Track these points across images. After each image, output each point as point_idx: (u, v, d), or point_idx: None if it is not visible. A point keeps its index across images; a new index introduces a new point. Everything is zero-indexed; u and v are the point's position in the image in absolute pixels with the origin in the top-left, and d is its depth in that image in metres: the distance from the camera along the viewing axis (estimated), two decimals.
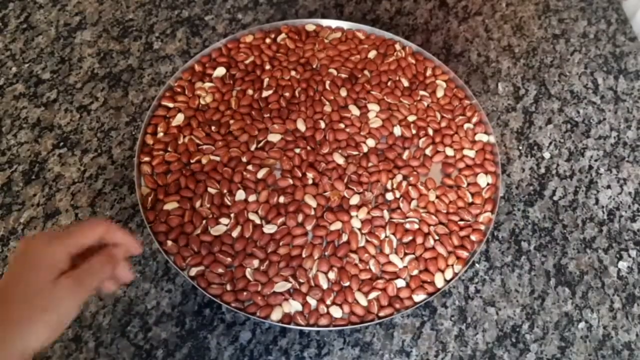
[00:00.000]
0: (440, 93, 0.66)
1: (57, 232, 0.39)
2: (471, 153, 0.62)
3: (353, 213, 0.57)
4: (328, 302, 0.53)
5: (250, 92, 0.64)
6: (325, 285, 0.54)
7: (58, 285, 0.37)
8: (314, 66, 0.67)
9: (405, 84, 0.66)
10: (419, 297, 0.54)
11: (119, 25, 0.76)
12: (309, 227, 0.56)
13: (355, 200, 0.58)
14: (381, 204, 0.58)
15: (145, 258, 0.58)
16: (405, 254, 0.56)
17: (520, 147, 0.69)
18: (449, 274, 0.55)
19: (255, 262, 0.54)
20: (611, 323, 0.58)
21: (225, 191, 0.57)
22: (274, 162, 0.60)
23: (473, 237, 0.57)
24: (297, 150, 0.60)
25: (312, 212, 0.57)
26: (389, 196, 0.59)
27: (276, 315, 0.52)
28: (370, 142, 0.62)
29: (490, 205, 0.59)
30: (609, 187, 0.67)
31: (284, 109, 0.63)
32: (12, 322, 0.36)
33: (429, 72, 0.67)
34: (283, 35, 0.69)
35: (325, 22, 0.71)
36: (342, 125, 0.63)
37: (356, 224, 0.57)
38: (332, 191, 0.58)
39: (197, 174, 0.58)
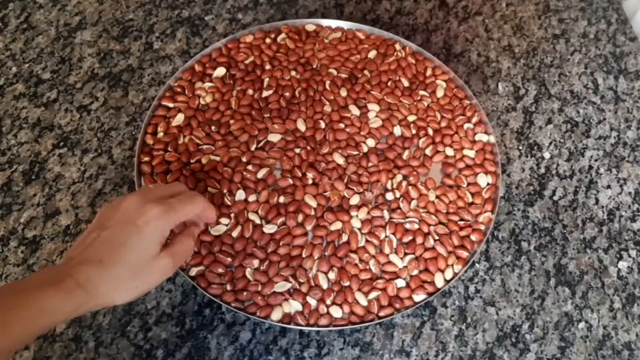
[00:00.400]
0: (440, 93, 0.66)
1: (164, 204, 0.43)
2: (471, 153, 0.62)
3: (353, 213, 0.57)
4: (328, 302, 0.53)
5: (250, 92, 0.64)
6: (325, 285, 0.54)
7: (158, 262, 0.43)
8: (314, 66, 0.67)
9: (405, 84, 0.66)
10: (419, 297, 0.54)
11: (119, 25, 0.77)
12: (309, 227, 0.56)
13: (355, 200, 0.58)
14: (381, 204, 0.58)
15: None
16: (405, 254, 0.56)
17: (520, 147, 0.69)
18: (449, 274, 0.55)
19: (255, 262, 0.54)
20: (611, 323, 0.58)
21: (225, 191, 0.57)
22: (274, 162, 0.60)
23: (473, 237, 0.57)
24: (297, 150, 0.60)
25: (312, 212, 0.57)
26: (389, 196, 0.59)
27: (276, 315, 0.52)
28: (370, 142, 0.62)
29: (490, 205, 0.59)
30: (609, 187, 0.67)
31: (284, 109, 0.63)
32: (109, 281, 0.40)
33: (429, 72, 0.67)
34: (283, 35, 0.69)
35: (325, 22, 0.71)
36: (342, 125, 0.63)
37: (356, 224, 0.57)
38: (332, 191, 0.58)
39: (197, 173, 0.58)
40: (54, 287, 0.38)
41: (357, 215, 0.57)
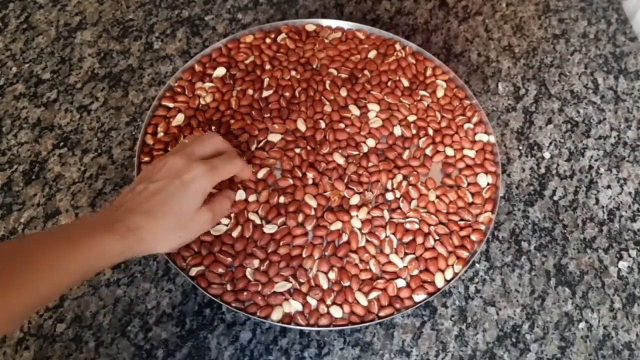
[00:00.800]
0: (440, 93, 0.66)
1: (207, 164, 0.47)
2: (471, 153, 0.62)
3: (353, 213, 0.57)
4: (328, 302, 0.53)
5: (250, 92, 0.64)
6: (325, 285, 0.54)
7: (200, 215, 0.47)
8: (314, 66, 0.67)
9: (406, 83, 0.66)
10: (419, 297, 0.54)
11: (119, 25, 0.77)
12: (309, 227, 0.56)
13: (355, 200, 0.58)
14: (381, 204, 0.58)
15: (145, 258, 0.58)
16: (406, 254, 0.56)
17: (521, 147, 0.69)
18: (449, 274, 0.55)
19: (256, 262, 0.54)
20: (611, 323, 0.58)
21: None
22: (274, 162, 0.60)
23: (473, 237, 0.57)
24: (298, 150, 0.60)
25: (312, 212, 0.57)
26: (389, 196, 0.59)
27: (276, 315, 0.52)
28: (371, 142, 0.62)
29: (490, 205, 0.59)
30: (609, 187, 0.67)
31: (284, 109, 0.63)
32: (155, 229, 0.44)
33: (429, 72, 0.67)
34: (283, 35, 0.69)
35: (325, 22, 0.71)
36: (342, 125, 0.63)
37: (356, 224, 0.57)
38: (332, 191, 0.58)
39: None
40: (107, 231, 0.42)
41: (357, 215, 0.57)
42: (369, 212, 0.57)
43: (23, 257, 0.38)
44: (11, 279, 0.37)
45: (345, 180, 0.59)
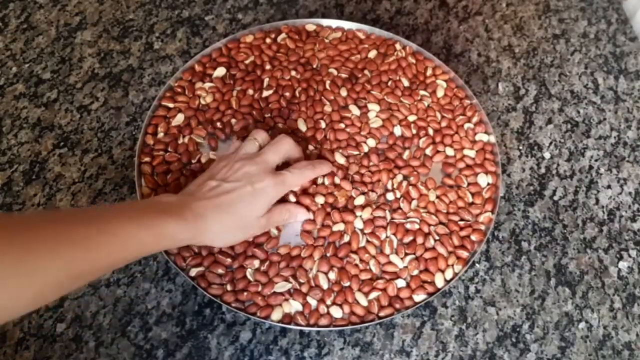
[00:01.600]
0: (440, 93, 0.66)
1: (277, 177, 0.51)
2: (471, 153, 0.62)
3: (358, 213, 0.57)
4: (328, 302, 0.53)
5: (250, 92, 0.64)
6: (325, 286, 0.54)
7: (260, 221, 0.51)
8: (314, 66, 0.67)
9: (406, 83, 0.66)
10: (419, 297, 0.54)
11: (119, 25, 0.77)
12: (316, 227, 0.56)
13: (360, 200, 0.58)
14: (382, 204, 0.58)
15: (145, 258, 0.59)
16: (406, 254, 0.56)
17: (521, 147, 0.69)
18: (449, 274, 0.55)
19: (256, 263, 0.54)
20: (611, 323, 0.58)
21: None
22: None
23: (473, 237, 0.57)
24: None
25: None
26: (390, 196, 0.59)
27: (276, 315, 0.52)
28: (371, 142, 0.62)
29: (490, 205, 0.59)
30: (609, 187, 0.67)
31: (285, 109, 0.63)
32: (221, 226, 0.48)
33: (429, 72, 0.67)
34: (283, 35, 0.69)
35: (325, 22, 0.71)
36: (342, 125, 0.63)
37: (358, 224, 0.57)
38: (340, 191, 0.58)
39: (198, 173, 0.58)
40: (176, 215, 0.44)
41: (360, 216, 0.57)
42: (371, 213, 0.57)
43: (95, 221, 0.40)
44: (85, 238, 0.38)
45: (350, 181, 0.59)
